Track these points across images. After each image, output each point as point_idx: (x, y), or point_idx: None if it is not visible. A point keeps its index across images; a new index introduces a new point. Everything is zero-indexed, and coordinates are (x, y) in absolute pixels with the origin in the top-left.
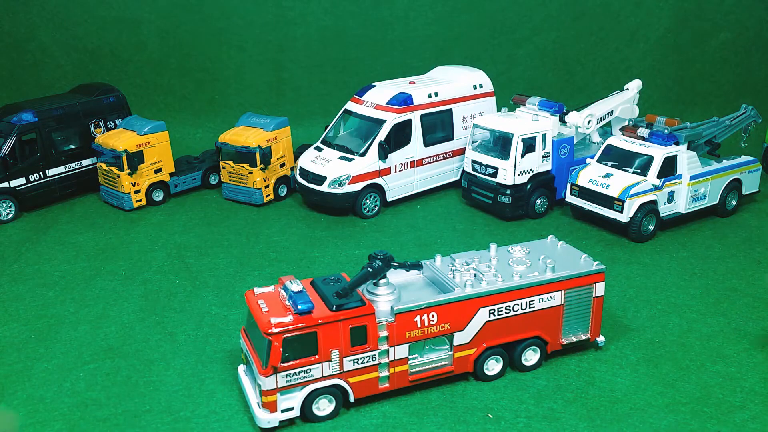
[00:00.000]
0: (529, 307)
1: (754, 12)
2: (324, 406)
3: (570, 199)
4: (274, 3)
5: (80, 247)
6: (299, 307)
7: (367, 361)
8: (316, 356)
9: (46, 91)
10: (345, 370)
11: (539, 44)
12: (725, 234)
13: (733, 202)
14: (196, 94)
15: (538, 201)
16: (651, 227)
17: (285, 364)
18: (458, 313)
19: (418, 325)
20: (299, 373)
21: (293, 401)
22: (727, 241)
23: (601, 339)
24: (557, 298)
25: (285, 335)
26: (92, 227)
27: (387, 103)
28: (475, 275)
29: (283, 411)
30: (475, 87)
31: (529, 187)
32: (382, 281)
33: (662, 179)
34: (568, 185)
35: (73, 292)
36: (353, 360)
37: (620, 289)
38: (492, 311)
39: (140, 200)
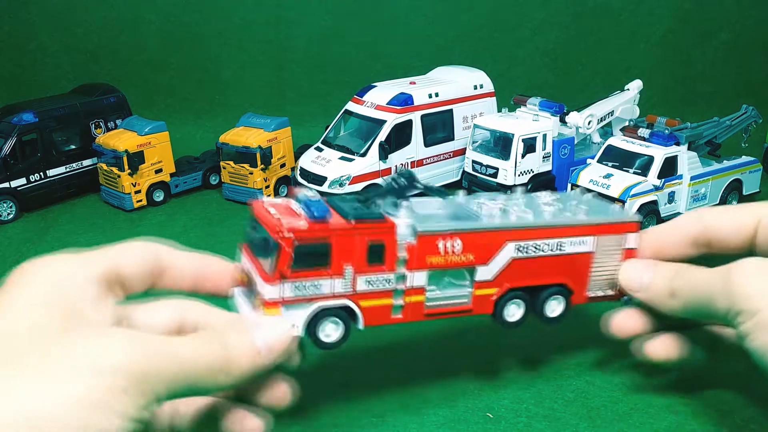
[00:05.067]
0: (559, 249)
1: (755, 12)
2: (330, 332)
3: None
4: (275, 3)
5: (81, 247)
6: (314, 213)
7: (382, 284)
8: (329, 269)
9: (47, 91)
10: (357, 290)
11: (540, 44)
12: None
13: (734, 203)
14: (197, 95)
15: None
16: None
17: (294, 272)
18: (484, 245)
19: (441, 252)
20: (308, 286)
21: (297, 319)
22: None
23: (625, 298)
24: (588, 243)
25: (297, 241)
26: (93, 227)
27: (387, 104)
28: (503, 210)
29: None
30: (475, 87)
31: (529, 187)
32: (404, 203)
33: (663, 179)
34: (569, 185)
35: None
36: (367, 280)
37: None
38: (519, 248)
39: (141, 200)
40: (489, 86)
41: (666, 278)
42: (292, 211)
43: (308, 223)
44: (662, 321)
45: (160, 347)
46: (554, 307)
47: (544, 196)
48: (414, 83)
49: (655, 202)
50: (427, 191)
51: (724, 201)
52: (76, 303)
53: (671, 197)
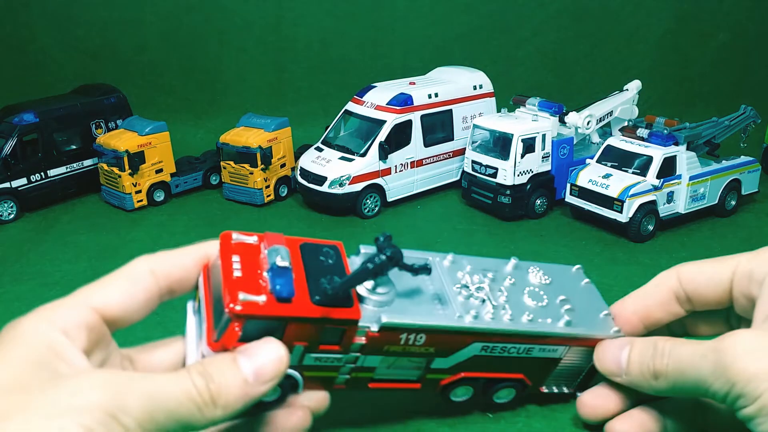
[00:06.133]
0: (526, 353)
1: (754, 13)
2: (269, 395)
3: (569, 199)
4: (275, 4)
5: (82, 247)
6: (278, 289)
7: (331, 362)
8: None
9: (48, 91)
10: (304, 364)
11: (539, 45)
12: (724, 234)
13: (733, 203)
14: (197, 95)
15: (538, 201)
16: (650, 227)
17: (241, 343)
18: (449, 341)
19: (401, 342)
20: None
21: None
22: (726, 241)
23: (580, 393)
24: (558, 351)
25: (249, 318)
26: (93, 227)
27: (387, 104)
28: (483, 301)
29: None
30: (475, 87)
31: (528, 187)
32: (383, 280)
33: (662, 179)
34: (568, 185)
35: None
36: (316, 357)
37: (620, 289)
38: (485, 348)
39: (141, 200)
40: (488, 86)
41: (646, 357)
42: (258, 267)
43: (267, 300)
44: (639, 396)
45: (135, 385)
46: (503, 396)
47: (534, 277)
48: (414, 83)
49: (653, 202)
50: (411, 272)
51: (723, 201)
52: (57, 355)
53: (670, 197)
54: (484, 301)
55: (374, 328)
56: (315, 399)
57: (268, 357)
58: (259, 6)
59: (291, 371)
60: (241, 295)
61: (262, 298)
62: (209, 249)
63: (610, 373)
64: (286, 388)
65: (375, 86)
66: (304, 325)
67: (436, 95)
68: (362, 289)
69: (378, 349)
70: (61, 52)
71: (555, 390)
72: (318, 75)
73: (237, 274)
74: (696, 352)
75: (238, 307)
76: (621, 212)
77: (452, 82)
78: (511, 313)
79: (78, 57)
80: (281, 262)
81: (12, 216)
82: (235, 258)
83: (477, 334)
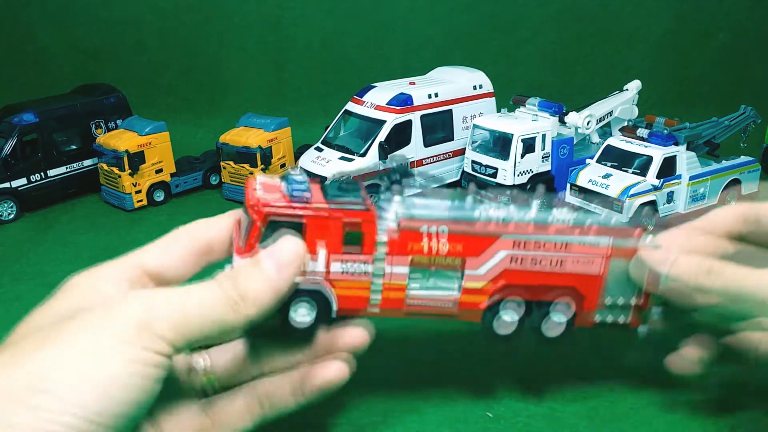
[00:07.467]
0: (560, 265)
1: (754, 12)
2: (303, 313)
3: (569, 199)
4: (275, 4)
5: (82, 247)
6: (293, 191)
7: (357, 272)
8: None
9: (47, 91)
10: (331, 272)
11: (539, 45)
12: None
13: (733, 203)
14: (197, 95)
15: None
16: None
17: (263, 246)
18: (473, 247)
19: (425, 247)
20: None
21: None
22: None
23: (642, 328)
24: (596, 264)
25: (269, 215)
26: (94, 227)
27: (387, 104)
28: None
29: None
30: (475, 87)
31: (528, 187)
32: (399, 197)
33: (662, 179)
34: (568, 185)
35: None
36: (342, 265)
37: None
38: (514, 257)
39: (141, 200)
40: (488, 86)
41: (695, 260)
42: (278, 189)
43: (285, 201)
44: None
45: (166, 297)
46: (553, 327)
47: (562, 213)
48: (414, 83)
49: (653, 202)
50: (423, 180)
51: (723, 201)
52: (97, 298)
53: (670, 197)
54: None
55: (394, 226)
56: (358, 337)
57: (286, 248)
58: (259, 6)
59: (321, 287)
60: (261, 198)
61: (280, 201)
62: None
63: (655, 261)
64: (320, 306)
65: (375, 86)
66: (321, 223)
67: (436, 95)
68: (385, 204)
69: (403, 249)
70: (61, 52)
71: (609, 318)
72: (318, 75)
73: (259, 194)
74: (753, 271)
75: (259, 207)
76: (621, 212)
77: (452, 82)
78: (534, 219)
79: (78, 57)
80: (297, 176)
81: (12, 216)
82: (258, 187)
83: (502, 236)
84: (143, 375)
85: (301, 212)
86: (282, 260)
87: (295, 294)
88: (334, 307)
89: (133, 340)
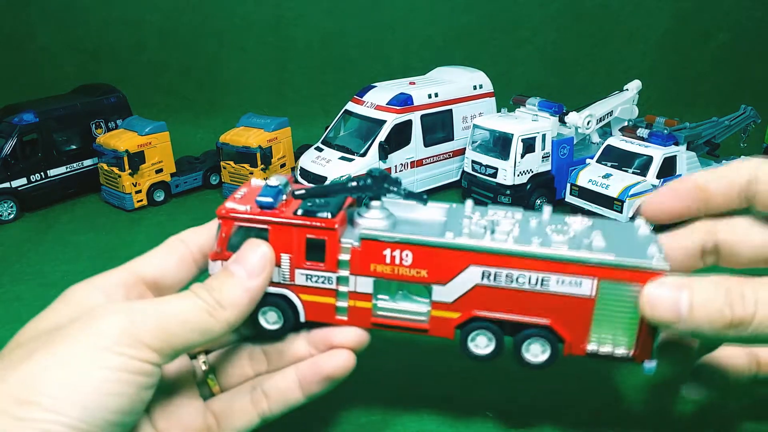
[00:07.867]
0: (542, 285)
1: (754, 13)
2: (272, 319)
3: (570, 199)
4: (275, 4)
5: (82, 247)
6: (258, 200)
7: (322, 282)
8: None
9: (48, 91)
10: (296, 282)
11: (539, 45)
12: None
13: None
14: (197, 95)
15: (538, 201)
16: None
17: (232, 253)
18: (439, 263)
19: (387, 261)
20: None
21: None
22: None
23: (650, 364)
24: (585, 286)
25: (235, 221)
26: (94, 227)
27: (387, 104)
28: (485, 227)
29: None
30: (475, 87)
31: (528, 187)
32: (375, 203)
33: (662, 179)
34: (568, 185)
35: None
36: (306, 275)
37: None
38: (487, 274)
39: (141, 200)
40: (488, 86)
41: (717, 301)
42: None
43: (251, 209)
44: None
45: (148, 307)
46: (536, 352)
47: (575, 222)
48: (414, 83)
49: None
50: (399, 194)
51: None
52: (92, 305)
53: None
54: (486, 228)
55: (356, 242)
56: (353, 335)
57: (253, 252)
58: (259, 6)
59: (286, 291)
60: (228, 204)
61: (246, 207)
62: None
63: (665, 319)
64: (287, 312)
65: (375, 86)
66: (283, 231)
67: (436, 95)
68: (355, 215)
69: (365, 268)
70: (61, 52)
71: (606, 350)
72: (318, 75)
73: (237, 196)
74: None
75: (223, 211)
76: (621, 212)
77: (452, 82)
78: (516, 236)
79: (78, 56)
80: (272, 182)
81: (12, 216)
82: (243, 190)
83: (469, 253)
84: (129, 383)
85: (260, 222)
86: (249, 264)
87: (262, 300)
88: (302, 313)
89: (117, 349)
